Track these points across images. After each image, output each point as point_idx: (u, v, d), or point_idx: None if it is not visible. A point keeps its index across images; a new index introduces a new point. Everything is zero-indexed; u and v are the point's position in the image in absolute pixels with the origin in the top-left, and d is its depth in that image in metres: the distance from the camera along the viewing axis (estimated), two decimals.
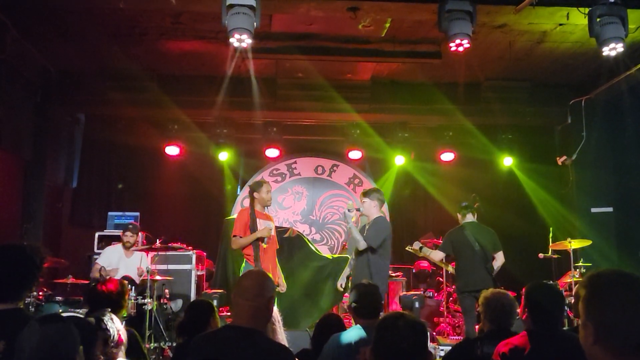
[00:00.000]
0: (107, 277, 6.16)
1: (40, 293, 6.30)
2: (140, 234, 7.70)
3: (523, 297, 3.25)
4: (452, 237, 6.75)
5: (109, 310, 3.15)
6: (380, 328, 2.38)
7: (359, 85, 8.51)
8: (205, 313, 3.73)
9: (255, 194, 5.97)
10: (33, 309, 6.04)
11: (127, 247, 7.08)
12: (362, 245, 5.71)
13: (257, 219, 5.87)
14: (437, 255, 6.85)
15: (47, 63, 7.91)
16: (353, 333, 3.45)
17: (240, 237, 5.75)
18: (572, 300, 3.97)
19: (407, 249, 7.20)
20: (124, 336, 3.00)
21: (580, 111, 8.34)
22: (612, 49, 5.45)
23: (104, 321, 2.97)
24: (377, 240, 5.73)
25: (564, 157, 8.52)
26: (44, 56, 7.75)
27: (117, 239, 7.36)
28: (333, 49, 7.34)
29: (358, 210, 6.13)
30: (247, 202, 6.24)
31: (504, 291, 3.82)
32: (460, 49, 5.53)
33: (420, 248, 6.88)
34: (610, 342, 1.56)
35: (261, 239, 5.77)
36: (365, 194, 6.06)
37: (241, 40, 5.32)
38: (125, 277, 6.60)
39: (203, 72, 8.20)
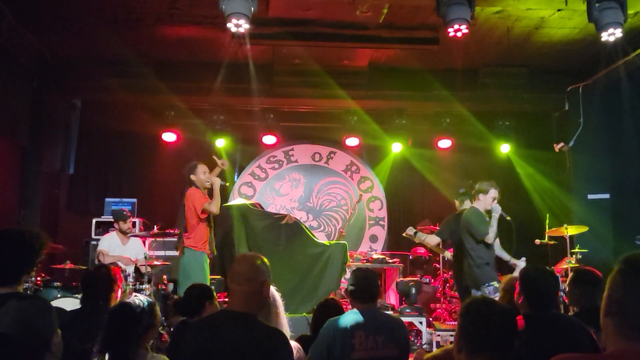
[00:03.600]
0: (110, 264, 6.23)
1: (39, 278, 6.32)
2: (137, 220, 7.75)
3: (519, 280, 3.29)
4: (449, 224, 6.78)
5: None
6: (471, 313, 2.32)
7: (356, 71, 8.46)
8: (203, 296, 3.76)
9: (192, 177, 6.15)
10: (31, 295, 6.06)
11: (126, 234, 7.13)
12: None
13: None
14: (433, 240, 6.89)
15: (43, 49, 7.84)
16: (349, 317, 3.47)
17: (209, 202, 6.01)
18: (568, 287, 3.99)
19: (403, 234, 7.23)
20: None
21: (578, 98, 8.34)
22: (611, 34, 5.44)
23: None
24: None
25: (561, 144, 8.52)
26: (40, 42, 7.68)
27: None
28: (330, 35, 7.29)
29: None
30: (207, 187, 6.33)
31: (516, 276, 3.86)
32: (459, 34, 5.51)
33: (415, 233, 6.91)
34: (616, 317, 1.62)
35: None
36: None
37: (238, 25, 5.30)
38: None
39: (200, 58, 8.15)
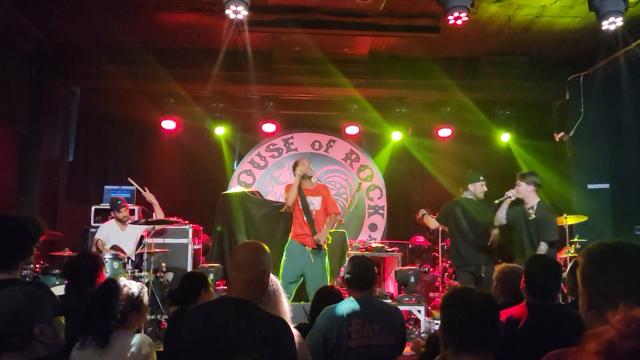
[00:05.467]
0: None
1: (37, 266, 6.33)
2: (136, 207, 7.75)
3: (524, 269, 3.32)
4: (445, 210, 6.81)
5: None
6: (450, 305, 2.22)
7: (357, 59, 8.42)
8: (198, 284, 3.75)
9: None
10: (30, 281, 6.07)
11: (124, 222, 7.14)
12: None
13: (306, 196, 6.58)
14: (433, 224, 6.98)
15: (42, 35, 7.82)
16: (346, 305, 3.48)
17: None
18: (566, 276, 3.99)
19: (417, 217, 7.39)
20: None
21: (579, 87, 8.32)
22: (612, 23, 5.42)
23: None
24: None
25: (562, 134, 8.51)
26: (38, 28, 7.66)
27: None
28: (331, 22, 7.25)
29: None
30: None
31: (519, 267, 3.85)
32: (459, 22, 5.50)
33: (423, 215, 7.03)
34: (602, 307, 1.60)
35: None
36: (522, 177, 6.15)
37: (237, 12, 5.28)
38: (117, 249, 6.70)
39: (199, 45, 8.12)
